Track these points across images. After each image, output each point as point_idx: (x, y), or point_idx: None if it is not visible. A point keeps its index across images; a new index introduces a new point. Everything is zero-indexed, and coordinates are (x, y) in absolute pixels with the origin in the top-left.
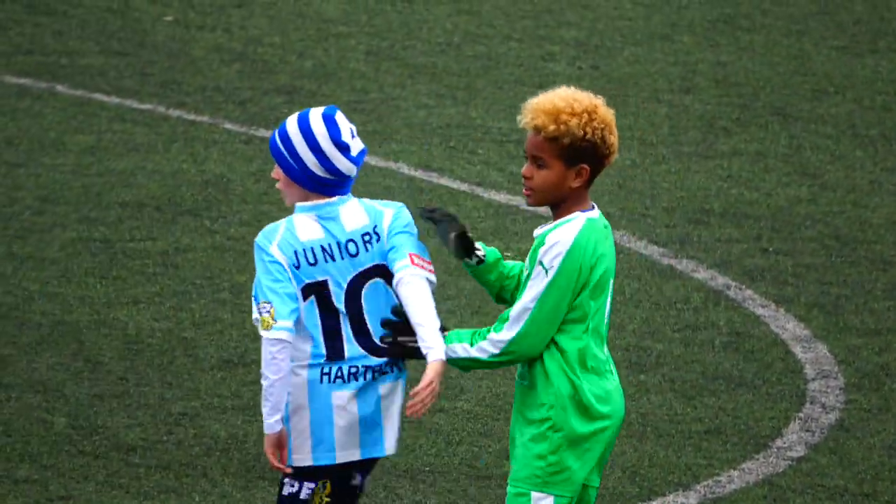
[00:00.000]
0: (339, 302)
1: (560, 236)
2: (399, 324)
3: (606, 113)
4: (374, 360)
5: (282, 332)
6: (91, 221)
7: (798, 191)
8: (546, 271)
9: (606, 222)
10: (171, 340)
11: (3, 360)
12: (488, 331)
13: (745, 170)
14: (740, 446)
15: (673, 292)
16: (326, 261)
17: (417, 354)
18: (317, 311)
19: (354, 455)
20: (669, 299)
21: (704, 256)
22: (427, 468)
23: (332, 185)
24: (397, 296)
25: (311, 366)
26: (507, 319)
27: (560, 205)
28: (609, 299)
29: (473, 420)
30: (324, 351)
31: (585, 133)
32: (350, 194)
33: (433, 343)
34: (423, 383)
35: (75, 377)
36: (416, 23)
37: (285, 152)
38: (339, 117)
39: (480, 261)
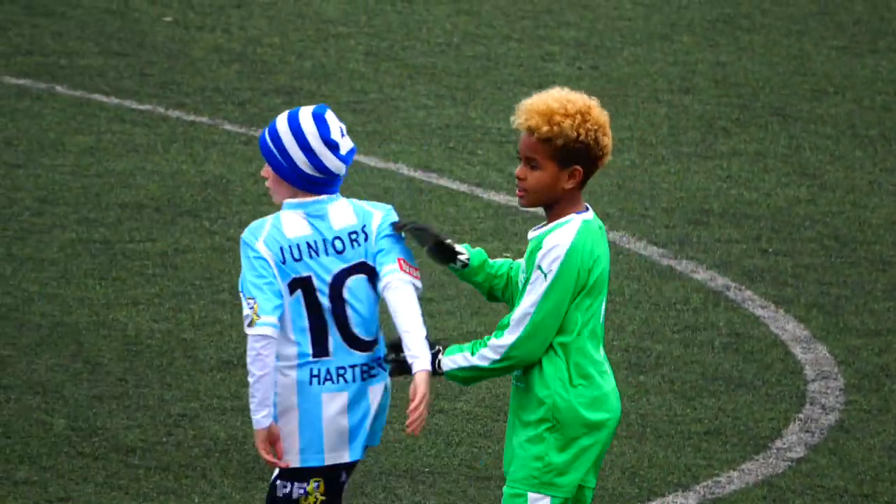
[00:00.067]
0: (324, 297)
1: (557, 240)
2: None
3: (600, 114)
4: (359, 358)
5: (265, 327)
6: (90, 222)
7: (797, 191)
8: (545, 275)
9: (601, 223)
10: (171, 341)
11: (3, 361)
12: (489, 338)
13: (745, 170)
14: (740, 447)
15: (672, 293)
16: (311, 257)
17: (408, 368)
18: (303, 307)
19: (343, 457)
20: (669, 300)
21: (704, 257)
22: (426, 469)
23: (321, 183)
24: (384, 299)
25: (299, 366)
26: (507, 325)
27: (554, 206)
28: (604, 300)
29: (473, 421)
30: (310, 349)
31: (579, 134)
32: (338, 194)
33: (419, 352)
34: (417, 398)
35: (74, 378)
36: (416, 23)
37: (275, 150)
38: (329, 116)
39: (465, 265)
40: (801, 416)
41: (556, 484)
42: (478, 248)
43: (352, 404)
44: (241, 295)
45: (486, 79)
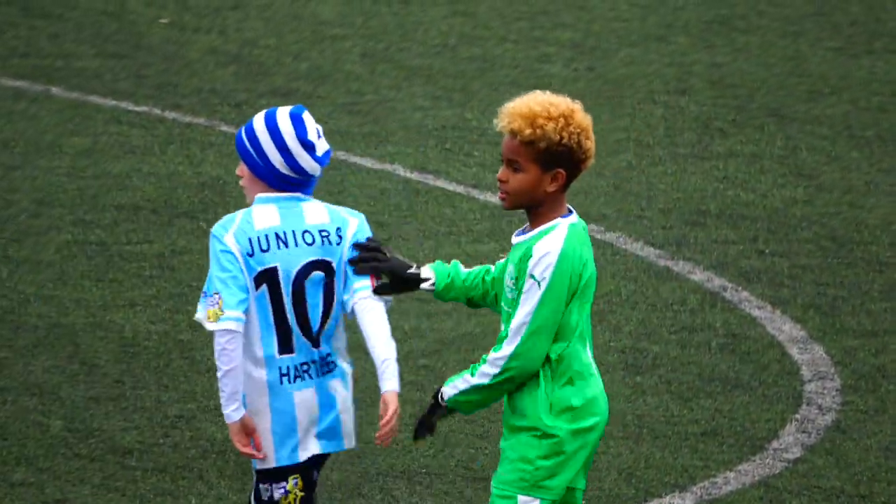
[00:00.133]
0: (287, 290)
1: (547, 247)
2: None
3: (583, 118)
4: (316, 353)
5: (229, 322)
6: (87, 224)
7: (794, 192)
8: (539, 284)
9: (584, 223)
10: (168, 343)
11: None
12: (487, 355)
13: (741, 171)
14: (737, 448)
15: (669, 294)
16: (279, 247)
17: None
18: (268, 302)
19: (315, 449)
20: (666, 301)
21: (701, 258)
22: (423, 470)
23: (296, 183)
24: (355, 315)
25: (268, 367)
26: (505, 337)
27: (536, 209)
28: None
29: (470, 422)
30: (275, 346)
31: (562, 137)
32: (312, 196)
33: (391, 375)
34: (390, 413)
35: (71, 380)
36: (412, 25)
37: (251, 149)
38: (306, 116)
39: (431, 290)
40: (797, 416)
41: (545, 487)
42: (453, 262)
43: (319, 399)
44: (204, 291)
45: (483, 80)
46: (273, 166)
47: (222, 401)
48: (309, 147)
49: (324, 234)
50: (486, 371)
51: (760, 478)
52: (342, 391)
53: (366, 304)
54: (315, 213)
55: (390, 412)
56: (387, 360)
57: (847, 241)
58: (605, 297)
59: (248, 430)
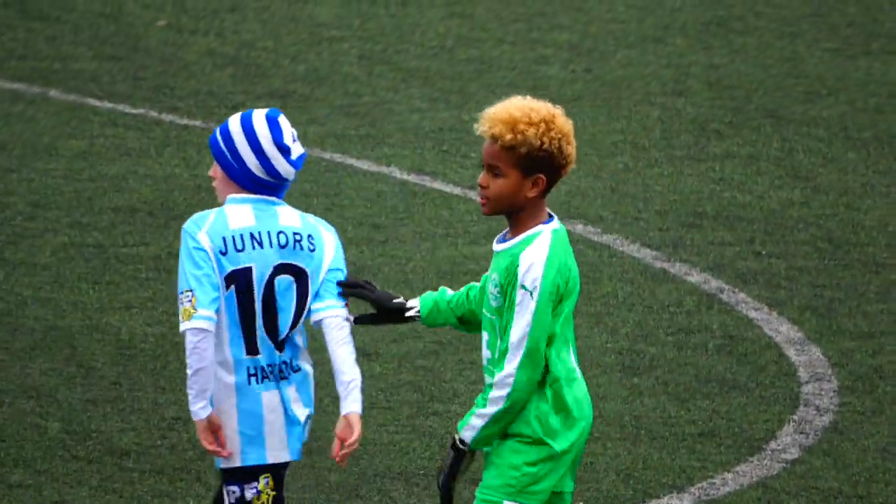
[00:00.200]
0: (259, 292)
1: (535, 256)
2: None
3: (564, 123)
4: (277, 357)
5: (202, 321)
6: (83, 226)
7: (791, 193)
8: (531, 293)
9: (564, 227)
10: (164, 345)
11: None
12: (490, 383)
13: (738, 173)
14: (734, 449)
15: (666, 296)
16: (254, 247)
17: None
18: (235, 302)
19: (284, 456)
20: (662, 303)
21: (697, 260)
22: (421, 471)
23: (270, 187)
24: (322, 332)
25: (236, 369)
26: (506, 352)
27: (516, 214)
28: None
29: None
30: (243, 348)
31: (542, 143)
32: (283, 201)
33: (357, 397)
34: (355, 436)
35: (68, 382)
36: (409, 26)
37: (226, 150)
38: (282, 120)
39: (415, 318)
40: (795, 417)
41: (531, 492)
42: (441, 289)
43: (282, 395)
44: (179, 288)
45: (480, 82)
46: (248, 169)
47: (190, 398)
48: (284, 150)
49: (297, 237)
50: (497, 395)
51: (758, 479)
52: (301, 398)
53: (336, 321)
54: (288, 216)
55: (355, 435)
56: (353, 380)
57: (844, 243)
58: (601, 299)
59: (213, 428)
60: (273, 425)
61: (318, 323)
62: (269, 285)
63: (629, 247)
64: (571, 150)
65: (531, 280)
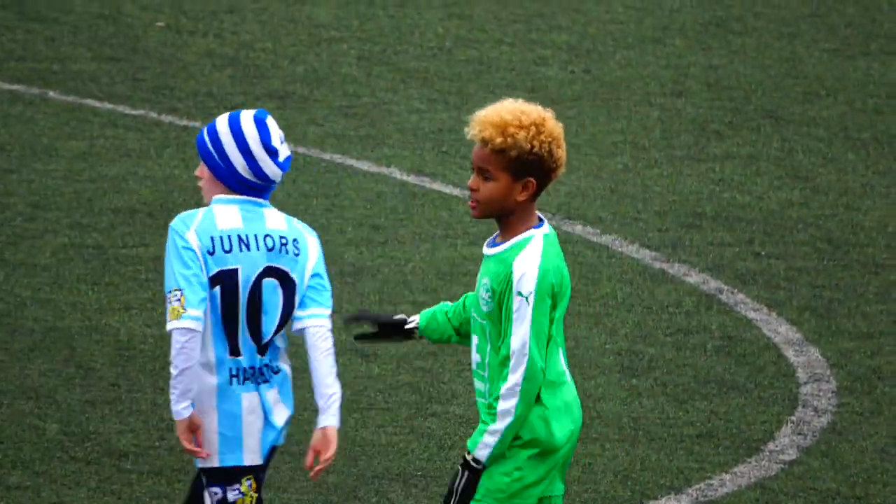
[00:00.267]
0: (244, 293)
1: (528, 262)
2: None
3: (554, 126)
4: (259, 360)
5: (190, 321)
6: (83, 227)
7: (790, 194)
8: (527, 300)
9: (554, 231)
10: (163, 346)
11: None
12: (497, 394)
13: (737, 173)
14: (732, 450)
15: (665, 296)
16: (241, 250)
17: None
18: (219, 303)
19: (258, 459)
20: (661, 303)
21: (696, 260)
22: (419, 472)
23: (256, 188)
24: (304, 341)
25: (218, 371)
26: (508, 359)
27: (507, 218)
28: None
29: (465, 424)
30: (226, 349)
31: (533, 146)
32: (270, 203)
33: (336, 411)
34: (332, 451)
35: (67, 383)
36: (408, 27)
37: (213, 151)
38: (270, 121)
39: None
40: (793, 418)
41: (521, 497)
42: (441, 303)
43: (262, 398)
44: (166, 286)
45: (479, 83)
46: (235, 170)
47: (173, 398)
48: (272, 152)
49: (283, 241)
50: (506, 407)
51: (756, 480)
52: (283, 399)
53: (319, 332)
54: (275, 219)
55: (331, 451)
56: (334, 394)
57: (843, 244)
58: (601, 300)
59: (193, 428)
60: (251, 427)
61: (301, 331)
62: (255, 288)
63: (628, 247)
64: (562, 153)
65: (527, 287)
